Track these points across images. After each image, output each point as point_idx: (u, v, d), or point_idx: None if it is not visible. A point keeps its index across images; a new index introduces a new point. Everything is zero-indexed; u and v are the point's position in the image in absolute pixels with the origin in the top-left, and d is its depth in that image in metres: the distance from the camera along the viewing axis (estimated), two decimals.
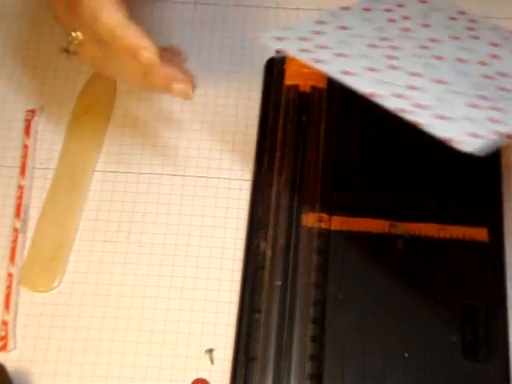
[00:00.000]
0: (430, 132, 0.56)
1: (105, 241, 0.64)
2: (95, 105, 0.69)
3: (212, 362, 0.59)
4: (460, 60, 0.63)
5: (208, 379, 0.59)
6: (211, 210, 0.65)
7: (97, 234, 0.64)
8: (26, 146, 0.67)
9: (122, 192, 0.66)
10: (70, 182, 0.66)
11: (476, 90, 0.60)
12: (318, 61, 0.60)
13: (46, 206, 0.65)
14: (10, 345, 0.60)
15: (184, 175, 0.66)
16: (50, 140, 0.68)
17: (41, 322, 0.61)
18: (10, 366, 0.58)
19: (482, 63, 0.63)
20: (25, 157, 0.67)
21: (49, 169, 0.67)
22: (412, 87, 0.59)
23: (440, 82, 0.60)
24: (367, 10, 0.66)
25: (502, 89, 0.61)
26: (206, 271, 0.63)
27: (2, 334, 0.60)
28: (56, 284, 0.62)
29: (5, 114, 0.69)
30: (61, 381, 0.59)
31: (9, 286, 0.62)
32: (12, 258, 0.63)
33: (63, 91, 0.70)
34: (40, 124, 0.69)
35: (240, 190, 0.65)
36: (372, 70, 0.60)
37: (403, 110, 0.57)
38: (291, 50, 0.61)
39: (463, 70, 0.62)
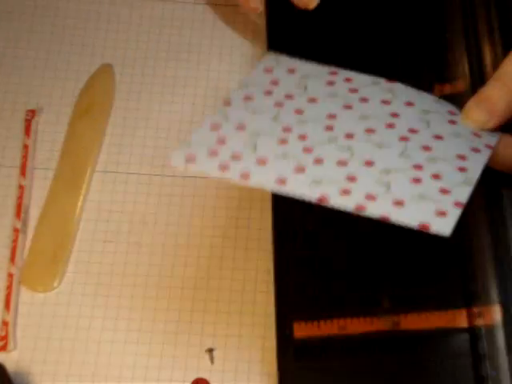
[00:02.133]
0: (398, 223, 0.52)
1: (105, 241, 0.64)
2: (95, 105, 0.69)
3: (212, 361, 0.59)
4: (368, 131, 0.59)
5: (208, 379, 0.59)
6: (211, 211, 0.65)
7: (97, 234, 0.64)
8: (26, 146, 0.67)
9: (122, 192, 0.66)
10: (69, 182, 0.66)
11: (406, 160, 0.57)
12: (244, 176, 0.55)
13: (46, 206, 0.65)
14: (10, 345, 0.60)
15: (184, 176, 0.66)
16: (50, 140, 0.68)
17: (41, 322, 0.61)
18: (10, 366, 0.58)
19: (389, 125, 0.59)
20: (25, 157, 0.67)
21: (49, 169, 0.67)
22: (350, 178, 0.55)
23: (369, 163, 0.57)
24: (248, 99, 0.61)
25: (425, 148, 0.58)
26: (206, 271, 0.63)
27: (2, 334, 0.60)
28: (56, 284, 0.62)
29: (5, 114, 0.69)
30: (61, 381, 0.59)
31: (9, 286, 0.62)
32: (12, 258, 0.63)
33: (63, 91, 0.70)
34: (40, 124, 0.69)
35: None
36: (301, 169, 0.56)
37: (362, 208, 0.53)
38: (209, 171, 0.55)
39: (377, 140, 0.58)
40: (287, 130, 0.58)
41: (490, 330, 0.54)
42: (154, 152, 0.68)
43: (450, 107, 0.60)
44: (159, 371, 0.59)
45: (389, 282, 0.57)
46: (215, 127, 0.58)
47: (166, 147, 0.68)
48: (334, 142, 0.57)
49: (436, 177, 0.55)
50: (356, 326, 0.56)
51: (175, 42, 0.72)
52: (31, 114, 0.69)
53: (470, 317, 0.55)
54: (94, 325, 0.61)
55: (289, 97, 0.61)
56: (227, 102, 0.60)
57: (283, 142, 0.58)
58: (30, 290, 0.62)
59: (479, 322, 0.54)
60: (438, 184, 0.55)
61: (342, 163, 0.56)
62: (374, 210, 0.53)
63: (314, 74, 0.62)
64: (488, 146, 0.57)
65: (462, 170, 0.56)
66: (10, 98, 0.70)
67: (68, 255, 0.63)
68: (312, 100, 0.60)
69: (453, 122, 0.59)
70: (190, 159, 0.55)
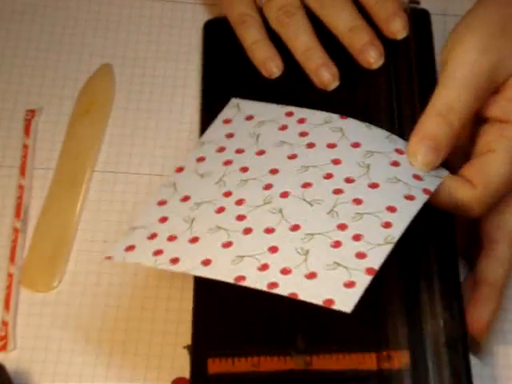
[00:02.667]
0: (306, 301, 0.53)
1: (105, 241, 0.64)
2: (95, 105, 0.69)
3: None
4: (304, 185, 0.60)
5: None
6: None
7: (97, 235, 0.64)
8: (26, 146, 0.67)
9: (122, 192, 0.66)
10: (69, 182, 0.66)
11: (331, 219, 0.58)
12: (173, 261, 0.56)
13: (45, 206, 0.65)
14: (10, 345, 0.60)
15: None
16: (50, 140, 0.68)
17: (41, 322, 0.61)
18: (9, 366, 0.58)
19: (327, 176, 0.60)
20: (25, 157, 0.67)
21: (49, 169, 0.67)
22: (271, 249, 0.56)
23: (295, 228, 0.58)
24: (201, 159, 0.62)
25: (355, 201, 0.58)
26: None
27: (2, 334, 0.60)
28: (56, 284, 0.62)
29: (5, 114, 0.69)
30: (61, 381, 0.59)
31: (9, 286, 0.62)
32: (12, 258, 0.63)
33: (63, 91, 0.70)
34: (40, 124, 0.69)
35: None
36: (228, 245, 0.57)
37: (274, 285, 0.54)
38: (144, 260, 0.56)
39: (310, 197, 0.59)
40: (227, 194, 0.60)
41: (398, 373, 0.56)
42: (154, 152, 0.68)
43: (399, 145, 0.60)
44: (159, 371, 0.59)
45: (303, 322, 0.58)
46: (162, 202, 0.60)
47: (165, 147, 0.68)
48: (268, 204, 0.59)
49: (356, 238, 0.56)
50: (269, 364, 0.57)
51: (175, 42, 0.72)
52: (31, 114, 0.69)
53: (380, 360, 0.56)
54: (94, 325, 0.61)
55: (239, 151, 0.62)
56: (180, 169, 0.62)
57: (220, 210, 0.59)
58: (29, 289, 0.62)
59: (388, 365, 0.56)
60: (356, 247, 0.56)
61: (268, 231, 0.57)
62: (284, 288, 0.54)
63: (270, 117, 0.64)
64: (426, 191, 0.57)
65: (386, 225, 0.57)
66: (10, 97, 0.70)
67: (68, 255, 0.63)
68: (260, 153, 0.62)
69: (396, 164, 0.60)
70: (128, 248, 0.57)
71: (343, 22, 0.64)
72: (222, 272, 0.55)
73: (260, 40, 0.66)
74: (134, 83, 0.71)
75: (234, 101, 0.65)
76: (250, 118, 0.64)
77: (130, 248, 0.57)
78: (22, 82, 0.71)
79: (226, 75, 0.68)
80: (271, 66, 0.66)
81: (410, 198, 0.58)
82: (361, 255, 0.55)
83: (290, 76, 0.66)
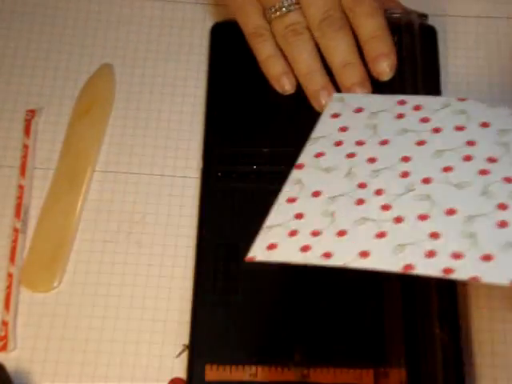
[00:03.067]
0: (490, 284, 0.52)
1: (105, 241, 0.64)
2: (95, 105, 0.69)
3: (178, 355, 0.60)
4: (445, 169, 0.59)
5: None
6: None
7: (97, 234, 0.64)
8: (26, 146, 0.67)
9: (122, 192, 0.66)
10: (69, 182, 0.66)
11: (488, 200, 0.56)
12: (326, 255, 0.56)
13: (45, 206, 0.65)
14: (10, 345, 0.60)
15: (185, 177, 0.66)
16: (50, 140, 0.68)
17: (41, 322, 0.61)
18: (9, 366, 0.58)
19: (466, 158, 0.59)
20: (25, 157, 0.67)
21: (49, 169, 0.67)
22: (432, 235, 0.55)
23: (451, 212, 0.56)
24: (320, 155, 0.62)
25: (506, 179, 0.57)
26: None
27: (2, 334, 0.60)
28: (56, 284, 0.62)
29: (5, 114, 0.69)
30: (61, 381, 0.59)
31: (9, 286, 0.62)
32: (12, 258, 0.63)
33: (63, 91, 0.70)
34: (40, 124, 0.69)
35: None
36: (382, 235, 0.56)
37: (449, 271, 0.53)
38: (292, 257, 0.56)
39: (456, 180, 0.58)
40: (362, 186, 0.59)
41: None
42: (154, 152, 0.68)
43: None
44: (158, 371, 0.59)
45: (302, 334, 0.58)
46: (291, 200, 0.60)
47: (165, 147, 0.68)
48: (412, 191, 0.58)
49: None
50: (266, 374, 0.57)
51: (175, 42, 0.72)
52: (31, 114, 0.69)
53: (376, 376, 0.57)
54: (94, 325, 0.61)
55: (360, 143, 0.62)
56: (300, 166, 0.62)
57: (360, 202, 0.58)
58: (29, 289, 0.62)
59: (384, 382, 0.57)
60: None
61: (422, 217, 0.56)
62: (462, 273, 0.53)
63: (381, 108, 0.63)
64: None
65: None
66: (10, 97, 0.70)
67: (68, 255, 0.63)
68: (383, 143, 0.61)
69: None
70: (270, 247, 0.57)
71: (339, 57, 0.65)
72: (386, 262, 0.55)
73: (275, 56, 0.66)
74: (133, 83, 0.71)
75: (336, 95, 0.65)
76: (359, 110, 0.64)
77: (272, 246, 0.56)
78: (22, 82, 0.71)
79: (233, 78, 0.68)
80: (285, 82, 0.66)
81: None
82: None
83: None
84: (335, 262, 0.55)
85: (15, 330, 0.61)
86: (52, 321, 0.61)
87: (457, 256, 0.53)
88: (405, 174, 0.59)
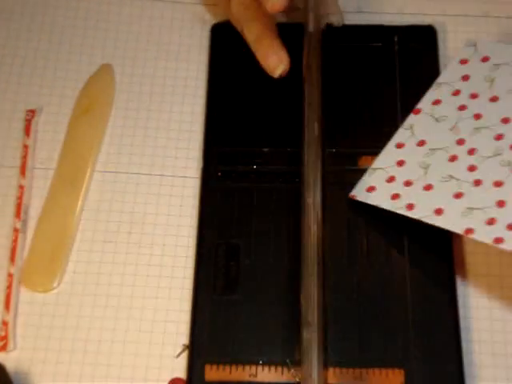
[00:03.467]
0: None
1: (104, 241, 0.64)
2: (95, 105, 0.69)
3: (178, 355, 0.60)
4: None
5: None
6: None
7: (97, 234, 0.64)
8: (26, 146, 0.67)
9: (122, 192, 0.66)
10: (70, 181, 0.66)
11: None
12: (409, 207, 0.60)
13: (46, 206, 0.65)
14: (10, 345, 0.60)
15: (185, 177, 0.66)
16: (50, 140, 0.68)
17: (41, 322, 0.61)
18: (10, 366, 0.58)
19: None
20: (25, 157, 0.67)
21: (49, 169, 0.67)
22: (499, 203, 0.58)
23: None
24: (437, 102, 0.65)
25: None
26: None
27: (2, 334, 0.60)
28: (56, 284, 0.62)
29: (5, 114, 0.69)
30: (61, 381, 0.59)
31: (9, 286, 0.62)
32: (12, 258, 0.63)
33: (63, 91, 0.70)
34: (40, 124, 0.69)
35: None
36: (459, 195, 0.59)
37: (500, 240, 0.56)
38: (383, 203, 0.61)
39: None
40: (460, 142, 0.62)
41: None
42: (154, 152, 0.68)
43: None
44: (159, 371, 0.59)
45: (300, 334, 0.58)
46: (400, 145, 0.64)
47: (165, 147, 0.68)
48: (499, 156, 0.60)
49: None
50: (266, 374, 0.58)
51: (175, 42, 0.72)
52: (31, 114, 0.69)
53: (376, 375, 0.57)
54: (94, 325, 0.61)
55: (473, 96, 0.64)
56: (417, 111, 0.65)
57: (453, 158, 0.61)
58: (29, 289, 0.62)
59: (384, 381, 0.57)
60: None
61: (497, 184, 0.59)
62: (510, 244, 0.56)
63: (506, 60, 0.65)
64: None
65: None
66: (10, 97, 0.70)
67: (68, 255, 0.63)
68: (493, 99, 0.63)
69: None
70: (370, 189, 0.62)
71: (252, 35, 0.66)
72: (453, 223, 0.58)
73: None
74: (133, 83, 0.71)
75: (471, 41, 0.67)
76: (485, 59, 0.65)
77: (371, 189, 0.62)
78: (22, 82, 0.71)
79: (233, 78, 0.68)
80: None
81: None
82: None
83: (296, 81, 0.66)
84: (414, 214, 0.59)
85: (15, 329, 0.61)
86: (52, 321, 0.61)
87: (511, 228, 0.56)
88: (499, 137, 0.61)
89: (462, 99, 0.64)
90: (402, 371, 0.57)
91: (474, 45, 0.67)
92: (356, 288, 0.60)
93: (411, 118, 0.65)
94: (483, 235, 0.57)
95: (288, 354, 0.58)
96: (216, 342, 0.59)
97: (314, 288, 0.57)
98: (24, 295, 0.62)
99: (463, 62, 0.66)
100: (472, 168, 0.61)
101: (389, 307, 0.59)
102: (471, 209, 0.58)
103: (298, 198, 0.62)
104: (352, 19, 0.72)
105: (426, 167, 0.61)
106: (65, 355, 0.60)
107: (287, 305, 0.59)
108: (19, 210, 0.65)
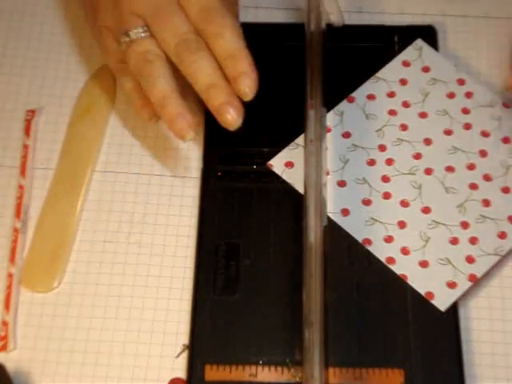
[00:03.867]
0: (412, 286, 0.58)
1: (105, 241, 0.64)
2: (95, 105, 0.69)
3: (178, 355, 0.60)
4: (447, 169, 0.62)
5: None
6: None
7: (97, 235, 0.64)
8: (26, 146, 0.67)
9: (122, 192, 0.66)
10: (69, 182, 0.66)
11: (459, 215, 0.61)
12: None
13: (45, 206, 0.65)
14: (10, 345, 0.60)
15: (185, 177, 0.66)
16: (50, 140, 0.68)
17: (41, 323, 0.61)
18: (10, 366, 0.58)
19: (470, 167, 0.62)
20: (25, 157, 0.67)
21: (49, 169, 0.67)
22: (400, 224, 0.60)
23: (425, 211, 0.61)
24: (371, 97, 0.66)
25: (485, 202, 0.61)
26: None
27: (2, 334, 0.60)
28: (56, 284, 0.62)
29: (5, 114, 0.69)
30: (61, 381, 0.59)
31: (9, 286, 0.62)
32: (12, 258, 0.63)
33: (63, 91, 0.70)
34: (40, 124, 0.69)
35: None
36: (367, 202, 0.61)
37: (392, 261, 0.59)
38: (295, 185, 0.63)
39: (450, 182, 0.62)
40: (382, 148, 0.63)
41: None
42: (154, 152, 0.68)
43: None
44: (159, 371, 0.59)
45: (302, 334, 0.57)
46: (328, 129, 0.64)
47: (165, 147, 0.68)
48: (413, 176, 0.62)
49: (473, 241, 0.60)
50: (266, 374, 0.58)
51: None
52: (31, 114, 0.69)
53: (376, 375, 0.57)
54: (94, 325, 0.61)
55: (405, 105, 0.65)
56: (351, 99, 0.65)
57: (371, 162, 0.63)
58: (29, 290, 0.62)
59: (384, 381, 0.57)
60: (469, 250, 0.59)
61: (404, 204, 0.61)
62: (399, 267, 0.59)
63: (443, 77, 0.66)
64: None
65: (501, 235, 0.60)
66: (10, 98, 0.70)
67: (68, 255, 0.63)
68: (422, 115, 0.64)
69: None
70: (288, 164, 0.64)
71: (201, 80, 0.59)
72: (355, 229, 0.60)
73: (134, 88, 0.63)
74: None
75: (418, 42, 0.67)
76: (426, 69, 0.66)
77: (289, 164, 0.64)
78: (22, 82, 0.71)
79: None
80: (144, 113, 0.63)
81: None
82: (470, 259, 0.59)
83: (296, 81, 0.66)
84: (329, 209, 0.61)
85: (15, 329, 0.61)
86: (52, 321, 0.61)
87: (405, 251, 0.59)
88: (418, 156, 0.63)
89: (395, 104, 0.65)
90: (402, 371, 0.57)
91: (420, 48, 0.67)
92: (356, 288, 0.60)
93: (344, 105, 0.65)
94: (378, 251, 0.59)
95: (288, 354, 0.58)
96: (216, 342, 0.59)
97: (316, 288, 0.57)
98: (24, 295, 0.62)
99: (406, 63, 0.67)
100: (386, 179, 0.62)
101: (389, 307, 0.59)
102: (374, 220, 0.60)
103: (298, 197, 0.63)
104: (352, 19, 0.72)
105: (345, 162, 0.62)
106: (65, 355, 0.60)
107: (287, 305, 0.59)
108: (19, 210, 0.65)
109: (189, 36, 0.59)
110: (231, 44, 0.59)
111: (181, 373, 0.59)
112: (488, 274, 0.61)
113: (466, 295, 0.60)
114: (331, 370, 0.57)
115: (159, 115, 0.60)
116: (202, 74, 0.59)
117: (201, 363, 0.58)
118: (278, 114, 0.66)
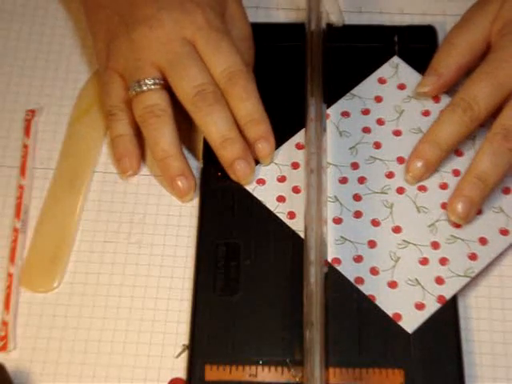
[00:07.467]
0: (379, 306, 0.58)
1: (105, 241, 0.64)
2: (95, 105, 0.69)
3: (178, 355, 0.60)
4: (420, 188, 0.62)
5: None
6: None
7: (97, 235, 0.64)
8: (26, 146, 0.67)
9: (122, 193, 0.66)
10: (69, 182, 0.66)
11: (430, 235, 0.60)
12: (291, 215, 0.61)
13: (45, 206, 0.65)
14: (10, 345, 0.60)
15: None
16: (50, 140, 0.68)
17: (41, 323, 0.61)
18: (10, 366, 0.58)
19: (443, 186, 0.62)
20: (25, 157, 0.67)
21: (49, 169, 0.67)
22: (370, 243, 0.60)
23: (396, 230, 0.61)
24: (346, 114, 0.65)
25: (455, 224, 0.61)
26: None
27: (2, 334, 0.60)
28: (56, 284, 0.62)
29: (5, 114, 0.69)
30: (61, 381, 0.59)
31: (9, 286, 0.62)
32: (12, 258, 0.63)
33: (63, 91, 0.70)
34: (40, 124, 0.69)
35: None
36: (338, 221, 0.61)
37: (361, 281, 0.58)
38: (267, 202, 0.62)
39: (422, 202, 0.62)
40: (354, 166, 0.63)
41: None
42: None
43: None
44: (159, 371, 0.59)
45: (302, 334, 0.57)
46: (300, 147, 0.64)
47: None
48: (385, 195, 0.62)
49: (443, 262, 0.59)
50: (266, 374, 0.58)
51: None
52: (31, 114, 0.69)
53: (377, 375, 0.57)
54: (94, 325, 0.61)
55: (380, 122, 0.64)
56: (328, 115, 0.65)
57: (343, 180, 0.62)
58: (29, 290, 0.62)
59: (384, 381, 0.57)
60: (439, 271, 0.59)
61: (375, 223, 0.61)
62: (367, 288, 0.59)
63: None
64: None
65: (472, 257, 0.60)
66: (10, 98, 0.70)
67: (68, 255, 0.63)
68: (396, 133, 0.64)
69: (507, 191, 0.62)
70: (259, 182, 0.63)
71: (216, 133, 0.62)
72: (328, 245, 0.60)
73: (123, 135, 0.65)
74: None
75: (395, 59, 0.67)
76: (402, 87, 0.66)
77: (261, 181, 0.63)
78: (22, 82, 0.71)
79: None
80: (125, 163, 0.65)
81: (504, 232, 0.60)
82: (440, 280, 0.59)
83: (296, 80, 0.67)
84: (292, 225, 0.61)
85: (15, 329, 0.61)
86: (52, 321, 0.61)
87: (374, 271, 0.59)
88: (390, 175, 0.62)
89: (369, 121, 0.65)
90: (402, 371, 0.57)
91: (397, 66, 0.67)
92: (356, 288, 0.60)
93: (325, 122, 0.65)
94: (348, 270, 0.59)
95: (288, 354, 0.58)
96: (216, 341, 0.59)
97: (317, 288, 0.57)
98: (24, 295, 0.62)
99: (381, 80, 0.67)
100: (357, 197, 0.61)
101: None
102: (344, 239, 0.60)
103: None
104: (352, 19, 0.72)
105: (315, 176, 0.60)
106: (65, 355, 0.60)
107: (287, 305, 0.59)
108: (19, 210, 0.65)
109: (207, 87, 0.62)
110: (253, 108, 0.62)
111: (181, 373, 0.59)
112: (488, 274, 0.61)
113: (466, 295, 0.60)
114: (331, 370, 0.57)
115: (160, 172, 0.64)
116: (218, 126, 0.61)
117: (201, 363, 0.58)
118: (278, 114, 0.66)
